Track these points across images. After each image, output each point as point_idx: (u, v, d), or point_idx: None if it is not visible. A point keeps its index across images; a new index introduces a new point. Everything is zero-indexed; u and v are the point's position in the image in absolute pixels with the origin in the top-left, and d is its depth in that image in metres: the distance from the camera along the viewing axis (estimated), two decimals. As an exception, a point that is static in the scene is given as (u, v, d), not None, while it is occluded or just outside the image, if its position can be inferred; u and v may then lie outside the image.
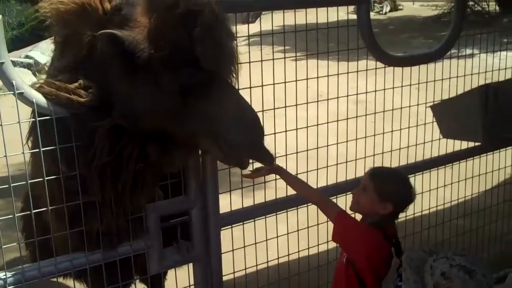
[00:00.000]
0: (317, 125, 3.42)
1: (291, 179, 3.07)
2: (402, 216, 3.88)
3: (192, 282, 3.13)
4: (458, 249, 2.44)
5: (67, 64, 2.63)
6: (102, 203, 2.65)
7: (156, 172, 2.67)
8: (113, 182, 2.58)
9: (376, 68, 3.57)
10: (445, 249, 2.42)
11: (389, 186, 2.93)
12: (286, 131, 3.32)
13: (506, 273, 3.36)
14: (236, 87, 2.71)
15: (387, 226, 2.90)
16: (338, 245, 2.99)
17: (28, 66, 12.78)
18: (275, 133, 3.30)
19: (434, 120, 4.09)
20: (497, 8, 17.44)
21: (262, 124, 2.56)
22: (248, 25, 3.26)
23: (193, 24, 2.30)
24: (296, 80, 3.29)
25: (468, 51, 4.44)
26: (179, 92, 2.39)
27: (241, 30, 2.97)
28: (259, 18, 14.23)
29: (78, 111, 2.48)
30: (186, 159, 2.79)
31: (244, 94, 3.04)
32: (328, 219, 3.05)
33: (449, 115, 4.10)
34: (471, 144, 4.12)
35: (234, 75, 2.65)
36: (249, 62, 3.12)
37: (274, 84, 3.24)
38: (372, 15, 20.48)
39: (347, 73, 3.55)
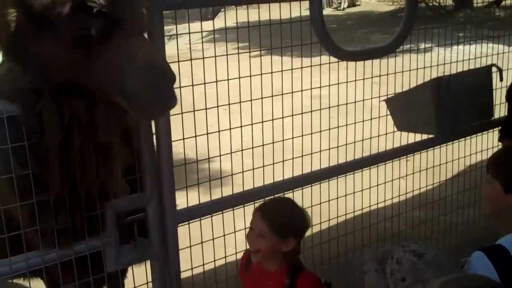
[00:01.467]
0: (272, 120, 3.44)
1: None
2: (358, 209, 3.97)
3: (150, 279, 3.13)
4: (415, 240, 2.49)
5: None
6: (57, 199, 2.63)
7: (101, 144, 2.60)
8: (67, 169, 2.55)
9: (329, 63, 3.61)
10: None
11: (284, 220, 2.89)
12: (241, 126, 3.34)
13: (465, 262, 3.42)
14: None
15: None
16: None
17: None
18: (230, 129, 3.32)
19: (389, 113, 4.16)
20: (453, 3, 17.73)
21: (169, 70, 2.40)
22: (213, 22, 3.26)
23: None
24: (250, 76, 3.31)
25: (426, 45, 4.50)
26: (81, 42, 2.34)
27: (198, 27, 2.98)
28: (217, 16, 14.18)
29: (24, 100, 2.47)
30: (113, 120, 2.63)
31: (200, 89, 3.08)
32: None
33: (403, 108, 4.17)
34: (425, 136, 4.20)
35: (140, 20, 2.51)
36: (203, 58, 3.14)
37: (228, 80, 3.25)
38: (330, 11, 20.74)
39: (301, 68, 3.59)
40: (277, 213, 2.93)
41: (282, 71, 3.45)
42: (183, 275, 3.19)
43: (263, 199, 3.43)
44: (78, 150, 2.54)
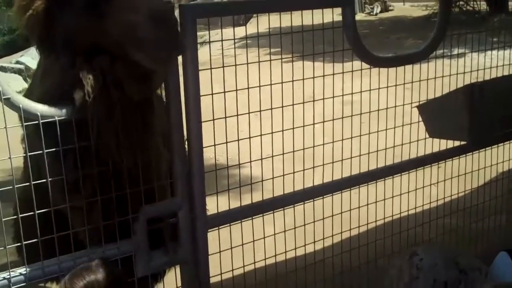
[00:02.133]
0: (303, 126, 3.44)
1: None
2: (389, 215, 3.94)
3: (179, 284, 3.15)
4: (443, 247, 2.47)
5: None
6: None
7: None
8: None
9: (361, 69, 3.61)
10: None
11: None
12: (272, 132, 3.34)
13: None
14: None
15: None
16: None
17: (19, 72, 12.77)
18: (261, 135, 3.33)
19: (421, 119, 4.12)
20: (487, 8, 17.53)
21: (171, 14, 2.57)
22: (246, 27, 3.27)
23: None
24: (282, 82, 3.32)
25: (460, 51, 4.47)
26: (91, 6, 2.59)
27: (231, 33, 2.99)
28: (250, 22, 14.24)
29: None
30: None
31: (232, 95, 3.10)
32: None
33: (435, 114, 4.13)
34: (457, 143, 4.16)
35: None
36: (235, 65, 3.15)
37: (260, 86, 3.26)
38: (363, 16, 20.65)
39: (333, 74, 3.57)
40: None
41: (314, 77, 3.45)
42: (213, 280, 3.21)
43: (292, 205, 3.43)
44: (118, 106, 2.64)
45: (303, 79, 3.36)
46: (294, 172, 3.44)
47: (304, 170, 3.53)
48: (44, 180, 2.59)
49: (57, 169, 2.60)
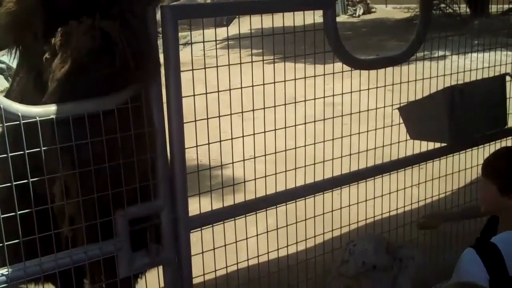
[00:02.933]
0: (285, 127, 3.45)
1: None
2: (371, 216, 3.97)
3: (162, 285, 3.15)
4: (423, 248, 2.53)
5: None
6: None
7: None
8: None
9: (342, 71, 3.63)
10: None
11: None
12: (254, 133, 3.36)
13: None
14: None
15: None
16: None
17: (0, 71, 12.68)
18: (243, 136, 3.34)
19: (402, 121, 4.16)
20: (468, 10, 17.69)
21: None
22: (227, 28, 3.29)
23: None
24: (263, 84, 3.33)
25: (441, 53, 4.51)
26: None
27: (212, 34, 3.00)
28: (232, 23, 14.27)
29: None
30: None
31: (214, 96, 3.10)
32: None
33: (416, 116, 4.17)
34: (438, 144, 4.20)
35: None
36: (217, 66, 3.16)
37: (241, 88, 3.27)
38: (346, 18, 20.76)
39: (314, 76, 3.60)
40: None
41: (295, 79, 3.47)
42: (195, 280, 3.21)
43: (275, 206, 3.45)
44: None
45: (285, 80, 3.38)
46: (276, 173, 3.46)
47: (286, 171, 3.54)
48: (26, 181, 2.58)
49: (39, 167, 2.60)
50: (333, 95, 3.67)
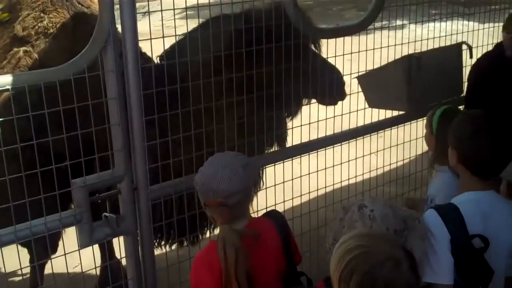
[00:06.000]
0: (245, 96, 3.44)
1: None
2: (330, 184, 4.02)
3: (123, 255, 3.15)
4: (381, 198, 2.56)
5: None
6: None
7: None
8: None
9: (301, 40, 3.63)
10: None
11: None
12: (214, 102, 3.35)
13: None
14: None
15: None
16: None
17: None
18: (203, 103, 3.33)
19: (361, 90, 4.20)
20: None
21: None
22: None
23: None
24: (222, 52, 3.31)
25: (400, 22, 4.53)
26: None
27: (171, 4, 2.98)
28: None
29: None
30: None
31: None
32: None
33: (375, 85, 4.21)
34: (396, 113, 4.25)
35: None
36: (175, 35, 3.15)
37: (200, 56, 3.25)
38: (306, -13, 20.66)
39: (273, 44, 3.59)
40: None
41: (254, 48, 3.46)
42: (157, 251, 3.22)
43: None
44: None
45: (244, 49, 3.36)
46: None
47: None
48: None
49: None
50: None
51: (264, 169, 3.57)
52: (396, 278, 1.83)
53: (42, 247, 3.00)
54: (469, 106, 4.16)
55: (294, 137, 3.70)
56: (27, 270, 3.80)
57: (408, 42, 4.24)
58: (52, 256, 3.15)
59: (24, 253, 3.35)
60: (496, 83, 3.98)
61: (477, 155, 2.58)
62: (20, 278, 3.37)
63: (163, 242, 3.64)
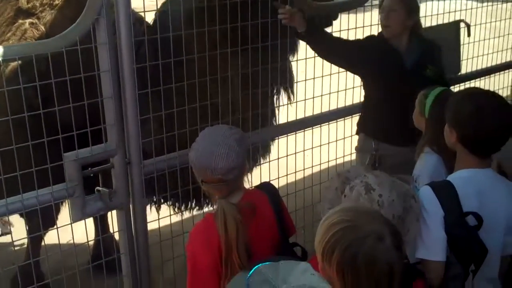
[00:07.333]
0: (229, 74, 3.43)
1: None
2: (325, 161, 4.00)
3: (116, 229, 3.14)
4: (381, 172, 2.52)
5: None
6: None
7: None
8: None
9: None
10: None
11: None
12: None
13: None
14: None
15: None
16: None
17: None
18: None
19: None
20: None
21: None
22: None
23: None
24: (217, 24, 3.28)
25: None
26: None
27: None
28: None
29: None
30: None
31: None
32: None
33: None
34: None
35: None
36: (169, 8, 3.11)
37: (195, 29, 3.22)
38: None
39: (269, 19, 3.56)
40: None
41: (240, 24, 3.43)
42: (150, 226, 3.20)
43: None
44: None
45: (240, 24, 3.33)
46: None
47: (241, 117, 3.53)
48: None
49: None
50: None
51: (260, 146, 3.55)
52: (377, 254, 1.82)
53: (43, 219, 2.99)
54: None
55: (289, 114, 3.68)
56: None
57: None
58: (44, 230, 3.14)
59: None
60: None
61: (478, 133, 2.55)
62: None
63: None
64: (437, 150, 3.04)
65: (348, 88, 3.96)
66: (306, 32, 3.54)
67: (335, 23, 3.80)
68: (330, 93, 3.87)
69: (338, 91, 3.90)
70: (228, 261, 2.39)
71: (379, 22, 3.81)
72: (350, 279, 1.82)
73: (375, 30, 3.95)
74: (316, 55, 3.73)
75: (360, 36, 3.91)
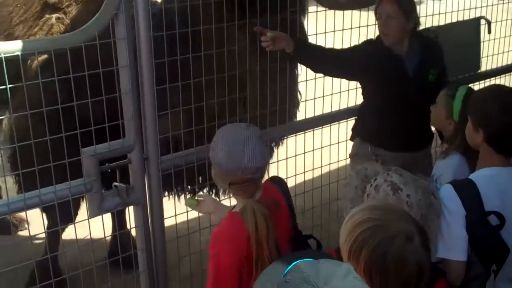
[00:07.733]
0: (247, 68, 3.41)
1: None
2: (342, 159, 3.97)
3: (133, 225, 3.13)
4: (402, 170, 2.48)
5: None
6: None
7: None
8: None
9: (317, 11, 3.58)
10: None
11: None
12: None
13: None
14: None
15: None
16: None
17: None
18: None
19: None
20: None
21: None
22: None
23: None
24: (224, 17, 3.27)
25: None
26: None
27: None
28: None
29: None
30: None
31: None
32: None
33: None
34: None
35: None
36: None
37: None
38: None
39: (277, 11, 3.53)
40: None
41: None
42: (167, 222, 3.19)
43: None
44: None
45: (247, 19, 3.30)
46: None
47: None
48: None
49: None
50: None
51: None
52: (407, 254, 1.79)
53: (61, 214, 2.98)
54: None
55: (307, 111, 3.66)
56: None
57: (426, 16, 4.16)
58: (62, 225, 3.14)
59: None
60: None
61: (506, 132, 2.52)
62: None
63: None
64: (463, 151, 2.99)
65: (359, 87, 3.93)
66: (295, 51, 3.42)
67: (335, 23, 3.75)
68: (340, 92, 3.85)
69: (348, 90, 3.87)
70: (259, 260, 2.35)
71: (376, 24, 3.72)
72: (378, 279, 1.79)
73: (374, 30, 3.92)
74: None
75: (356, 36, 3.86)
